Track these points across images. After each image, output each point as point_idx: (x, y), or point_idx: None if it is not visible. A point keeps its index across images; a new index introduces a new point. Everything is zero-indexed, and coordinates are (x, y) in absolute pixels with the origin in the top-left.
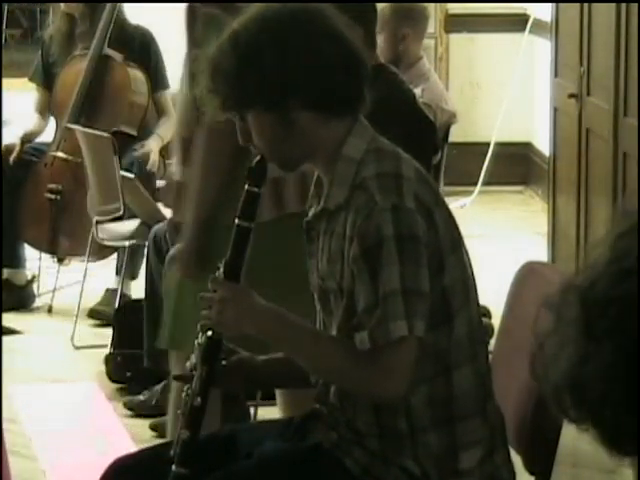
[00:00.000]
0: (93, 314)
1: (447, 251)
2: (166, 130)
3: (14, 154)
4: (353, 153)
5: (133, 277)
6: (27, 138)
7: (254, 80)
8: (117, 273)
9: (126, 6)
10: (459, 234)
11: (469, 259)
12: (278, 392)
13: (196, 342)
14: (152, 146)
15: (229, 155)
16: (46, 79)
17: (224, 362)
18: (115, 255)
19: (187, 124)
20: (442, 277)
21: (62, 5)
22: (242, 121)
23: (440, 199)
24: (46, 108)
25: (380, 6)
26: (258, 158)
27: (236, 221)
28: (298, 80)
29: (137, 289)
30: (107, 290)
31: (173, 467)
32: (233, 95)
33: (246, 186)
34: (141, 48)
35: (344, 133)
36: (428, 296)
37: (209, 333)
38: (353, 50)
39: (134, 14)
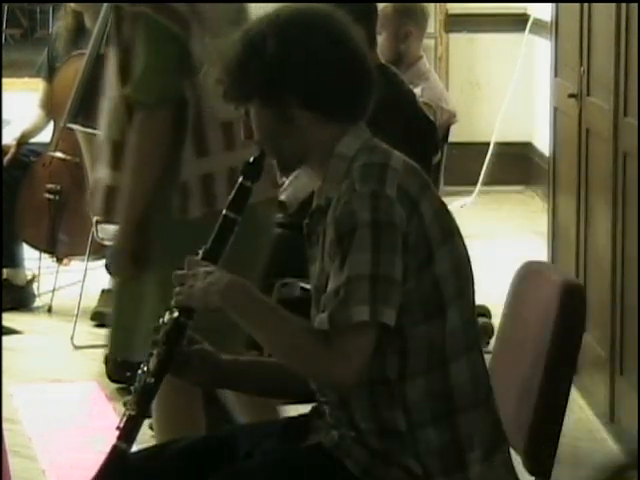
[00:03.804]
0: (96, 317)
1: (437, 242)
2: None
3: (8, 155)
4: (346, 151)
5: None
6: (24, 139)
7: (255, 71)
8: (107, 270)
9: None
10: (454, 227)
11: (467, 252)
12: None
13: (161, 320)
14: None
15: (160, 155)
16: (51, 74)
17: (186, 346)
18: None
19: (117, 127)
20: (432, 268)
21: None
22: (246, 116)
23: (430, 191)
24: (49, 103)
25: (380, 6)
26: (257, 154)
27: (224, 211)
28: (300, 78)
29: None
30: (103, 291)
31: (115, 440)
32: (234, 85)
33: (240, 179)
34: None
35: (340, 134)
36: (400, 284)
37: (175, 314)
38: (359, 57)
39: None
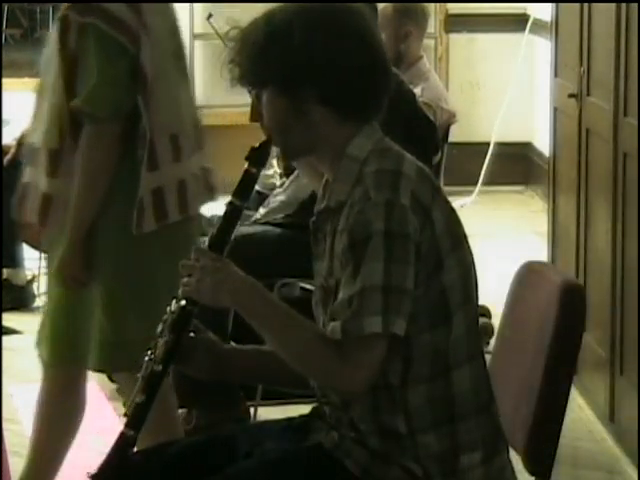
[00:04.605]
0: None
1: (446, 250)
2: None
3: (8, 155)
4: (357, 152)
5: None
6: (25, 139)
7: (276, 59)
8: None
9: None
10: (462, 233)
11: (472, 257)
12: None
13: (168, 309)
14: None
15: (110, 168)
16: None
17: (192, 334)
18: None
19: (56, 135)
20: (441, 276)
21: None
22: (258, 100)
23: (441, 198)
24: None
25: (380, 6)
26: (263, 140)
27: (229, 198)
28: (319, 74)
29: None
30: None
31: (122, 428)
32: (253, 69)
33: (245, 165)
34: None
35: (352, 134)
36: (412, 294)
37: (183, 303)
38: (381, 58)
39: None
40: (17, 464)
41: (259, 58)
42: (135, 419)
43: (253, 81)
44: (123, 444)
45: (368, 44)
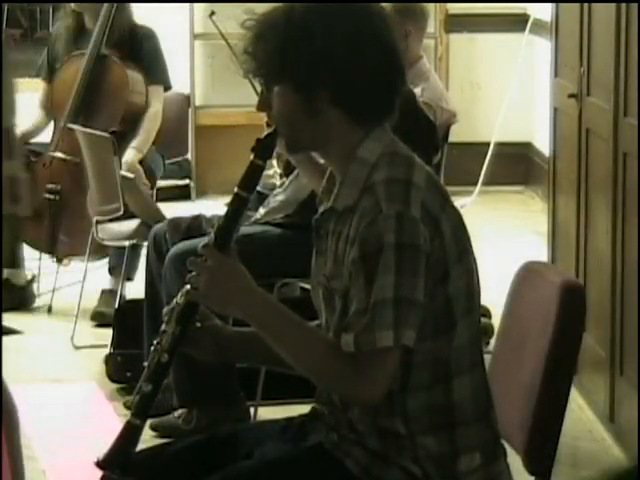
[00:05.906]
0: (96, 317)
1: (453, 260)
2: (145, 137)
3: None
4: (368, 156)
5: (129, 278)
6: (24, 139)
7: (294, 58)
8: (110, 273)
9: (134, 6)
10: (468, 239)
11: (476, 265)
12: None
13: (174, 301)
14: (130, 164)
15: None
16: (51, 74)
17: (198, 324)
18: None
19: None
20: (446, 286)
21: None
22: (268, 91)
23: (449, 205)
24: (50, 103)
25: None
26: (269, 132)
27: (235, 189)
28: (336, 75)
29: (132, 290)
30: (103, 291)
31: (129, 417)
32: (269, 65)
33: (251, 157)
34: (139, 44)
35: (364, 135)
36: (422, 306)
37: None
38: (397, 60)
39: (138, 15)
40: None
41: (277, 55)
42: (141, 408)
43: (268, 76)
44: (130, 433)
45: (386, 47)
